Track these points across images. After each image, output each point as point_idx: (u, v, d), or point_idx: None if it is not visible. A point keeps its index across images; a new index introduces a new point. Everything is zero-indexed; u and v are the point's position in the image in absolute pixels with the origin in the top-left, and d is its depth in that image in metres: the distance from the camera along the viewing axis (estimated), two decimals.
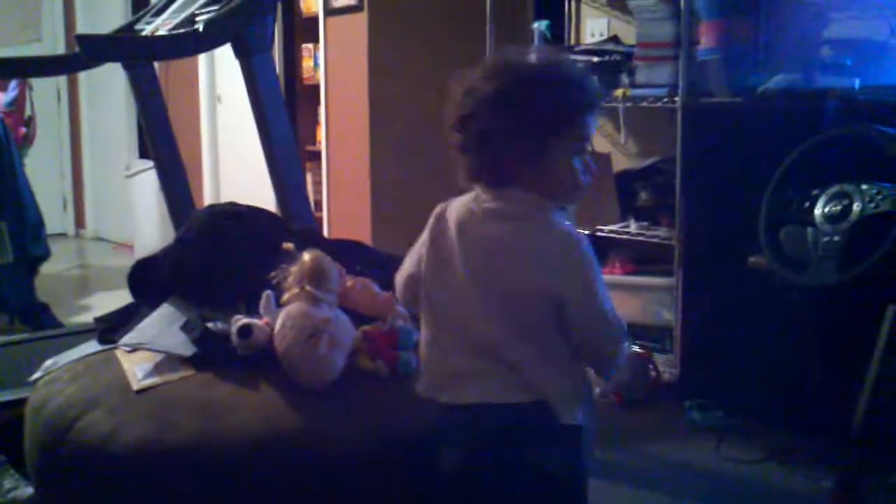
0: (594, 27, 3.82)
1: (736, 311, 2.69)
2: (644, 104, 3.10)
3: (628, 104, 3.15)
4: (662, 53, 3.04)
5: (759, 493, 2.33)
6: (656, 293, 3.17)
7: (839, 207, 2.03)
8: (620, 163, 3.58)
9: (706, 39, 3.12)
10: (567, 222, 1.42)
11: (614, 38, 3.55)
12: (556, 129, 1.37)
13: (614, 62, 3.30)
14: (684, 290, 2.92)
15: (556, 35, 3.65)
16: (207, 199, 5.56)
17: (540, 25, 3.44)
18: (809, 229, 2.09)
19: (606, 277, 3.26)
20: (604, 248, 3.41)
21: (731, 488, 2.36)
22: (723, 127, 2.91)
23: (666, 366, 3.03)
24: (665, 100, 3.01)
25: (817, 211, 2.08)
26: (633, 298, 3.25)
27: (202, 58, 5.47)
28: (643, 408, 2.89)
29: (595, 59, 3.38)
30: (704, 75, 3.05)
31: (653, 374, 2.98)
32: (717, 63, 3.06)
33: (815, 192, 2.11)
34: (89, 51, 2.70)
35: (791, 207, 2.14)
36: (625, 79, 3.21)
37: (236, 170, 5.45)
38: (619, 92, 3.18)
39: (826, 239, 2.04)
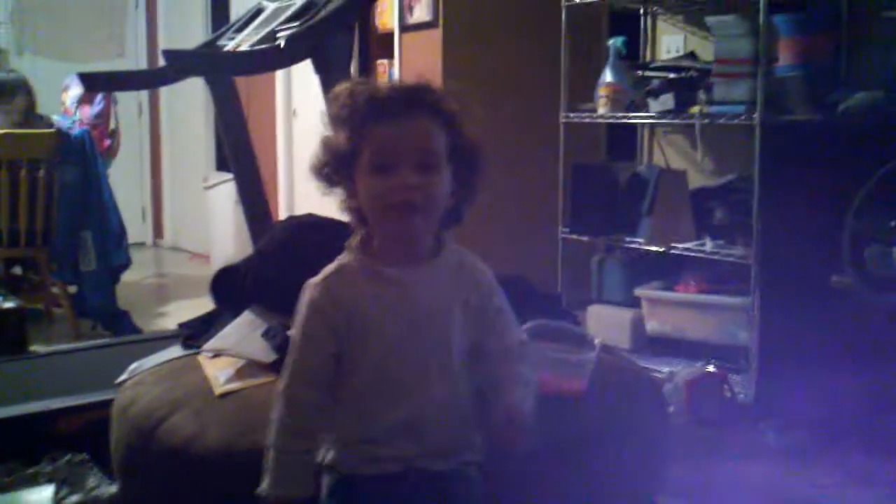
0: (670, 43, 3.80)
1: (815, 331, 2.64)
2: (721, 121, 3.07)
3: (705, 121, 3.13)
4: (740, 70, 3.01)
5: None
6: (732, 313, 3.13)
7: None
8: (696, 180, 3.55)
9: (785, 56, 3.09)
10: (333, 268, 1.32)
11: (691, 55, 3.53)
12: (349, 154, 1.26)
13: (691, 79, 3.28)
14: (761, 309, 2.88)
15: (632, 51, 3.64)
16: (282, 210, 5.66)
17: (615, 42, 3.44)
18: (895, 249, 2.05)
19: (680, 296, 3.28)
20: (678, 267, 3.39)
21: None
22: (801, 145, 2.87)
23: (741, 386, 2.98)
24: (742, 117, 2.97)
25: None
26: (708, 317, 3.21)
27: (279, 73, 5.58)
28: (718, 428, 2.84)
29: (671, 75, 3.37)
30: (783, 92, 3.01)
31: (727, 394, 2.93)
32: (796, 80, 3.02)
33: None
34: (176, 65, 2.79)
35: (876, 226, 2.10)
36: (702, 95, 3.18)
37: (310, 183, 5.53)
38: (695, 108, 3.16)
39: None
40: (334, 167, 1.29)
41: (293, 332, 1.31)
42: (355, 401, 1.29)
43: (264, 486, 1.29)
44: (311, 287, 1.31)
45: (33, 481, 2.21)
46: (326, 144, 1.30)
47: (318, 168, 1.31)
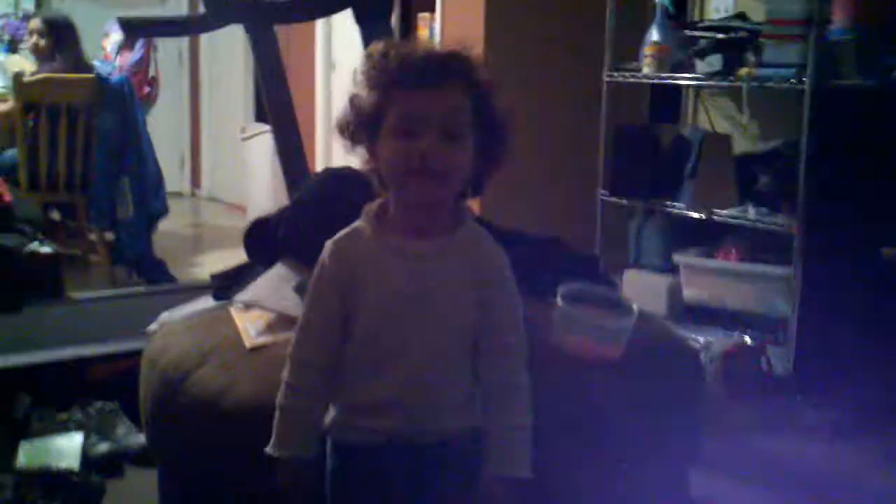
0: (719, 3, 3.69)
1: (859, 304, 2.57)
2: (770, 84, 2.98)
3: (753, 84, 3.03)
4: (792, 32, 2.91)
5: (875, 497, 2.23)
6: (772, 282, 3.06)
7: None
8: (741, 145, 3.46)
9: (840, 18, 2.98)
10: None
11: (741, 15, 3.42)
12: (375, 115, 1.24)
13: (740, 39, 3.19)
14: (803, 280, 2.81)
15: (680, 10, 3.54)
16: (319, 163, 5.63)
17: None
18: None
19: (720, 264, 3.22)
20: (718, 233, 3.31)
21: (845, 490, 2.27)
22: (853, 111, 2.77)
23: (779, 359, 2.93)
24: (793, 81, 2.88)
25: None
26: (748, 287, 3.15)
27: (319, 25, 5.53)
28: (753, 401, 2.79)
29: (720, 35, 3.27)
30: (836, 56, 2.91)
31: (764, 366, 2.88)
32: (850, 44, 2.91)
33: None
34: (215, 12, 2.75)
35: None
36: (750, 57, 3.09)
37: None
38: (743, 71, 3.07)
39: None
40: (359, 126, 1.27)
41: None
42: (348, 367, 1.29)
43: (270, 445, 1.32)
44: (325, 248, 1.31)
45: (64, 428, 2.23)
46: (354, 103, 1.28)
47: (344, 126, 1.30)
